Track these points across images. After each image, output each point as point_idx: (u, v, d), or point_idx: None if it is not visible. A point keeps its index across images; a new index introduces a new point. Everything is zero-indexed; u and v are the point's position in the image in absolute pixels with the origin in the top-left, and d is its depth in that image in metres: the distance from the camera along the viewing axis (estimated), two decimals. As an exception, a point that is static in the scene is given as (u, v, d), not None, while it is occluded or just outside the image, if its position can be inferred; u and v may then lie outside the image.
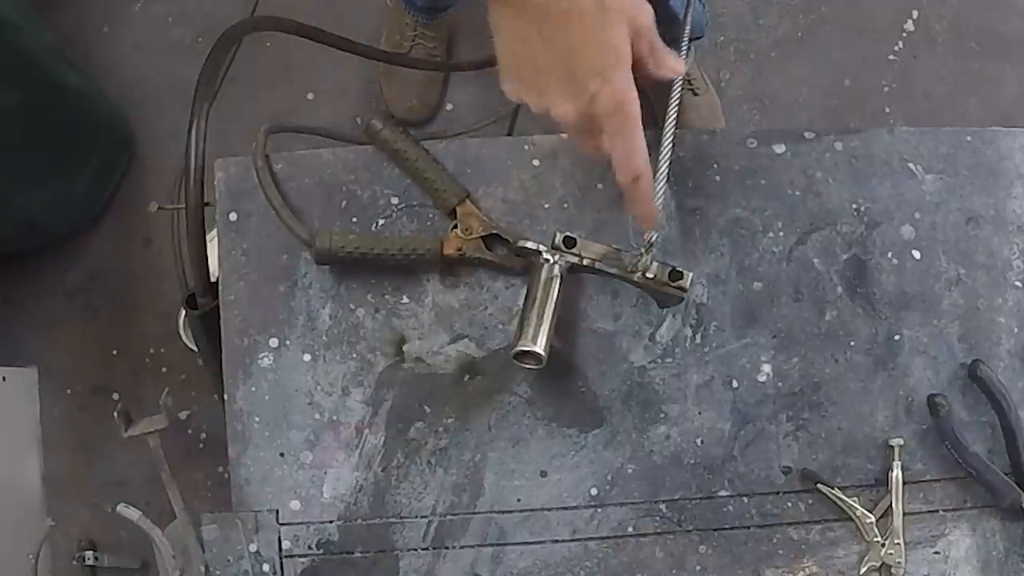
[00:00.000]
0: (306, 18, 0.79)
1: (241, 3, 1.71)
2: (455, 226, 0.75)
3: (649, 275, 0.69)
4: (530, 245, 0.71)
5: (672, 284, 0.69)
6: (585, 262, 0.71)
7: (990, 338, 0.77)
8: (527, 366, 0.69)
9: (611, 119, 0.59)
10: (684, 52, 0.81)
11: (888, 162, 0.79)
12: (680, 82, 0.75)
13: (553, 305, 0.69)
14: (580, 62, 0.57)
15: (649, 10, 0.61)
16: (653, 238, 0.68)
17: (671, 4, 1.36)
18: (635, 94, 0.59)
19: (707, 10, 1.47)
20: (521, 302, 0.76)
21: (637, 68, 0.60)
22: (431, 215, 0.77)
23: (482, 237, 0.74)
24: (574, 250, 0.70)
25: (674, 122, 0.74)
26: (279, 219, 0.74)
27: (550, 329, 0.69)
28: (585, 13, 0.55)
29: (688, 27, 0.83)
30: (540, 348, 0.68)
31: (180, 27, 1.75)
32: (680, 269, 0.69)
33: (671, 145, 0.73)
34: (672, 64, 0.63)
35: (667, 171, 0.72)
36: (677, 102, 0.74)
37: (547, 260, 0.71)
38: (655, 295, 0.73)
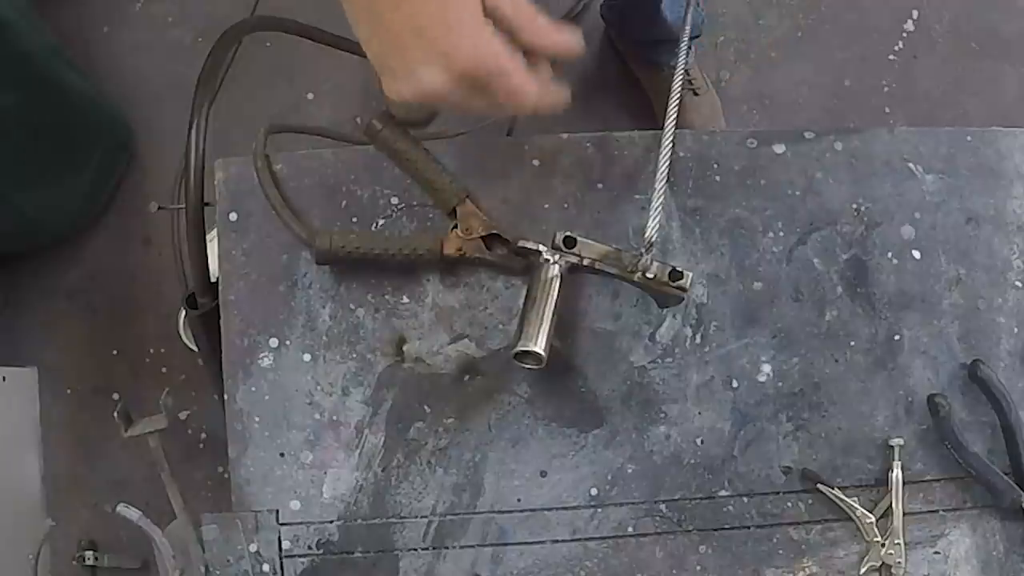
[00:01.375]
0: (306, 18, 0.79)
1: (241, 3, 1.71)
2: (455, 226, 0.75)
3: (649, 275, 0.69)
4: (530, 245, 0.71)
5: (672, 284, 0.69)
6: (585, 262, 0.71)
7: (990, 338, 0.77)
8: (527, 366, 0.69)
9: (478, 72, 0.57)
10: (684, 52, 0.81)
11: (888, 162, 0.79)
12: (680, 82, 0.75)
13: (553, 305, 0.69)
14: (427, 19, 0.55)
15: None
16: (653, 238, 0.68)
17: (662, 7, 1.37)
18: (497, 43, 0.57)
19: (703, 9, 1.47)
20: (521, 302, 0.76)
21: (511, 32, 0.59)
22: (431, 215, 0.77)
23: (482, 237, 0.74)
24: (574, 250, 0.70)
25: (674, 122, 0.74)
26: (279, 219, 0.74)
27: (550, 329, 0.69)
28: None
29: (688, 27, 0.83)
30: (540, 348, 0.68)
31: (180, 27, 1.75)
32: (680, 269, 0.69)
33: (671, 145, 0.73)
34: (560, 40, 0.60)
35: (667, 171, 0.72)
36: (677, 102, 0.74)
37: (547, 260, 0.71)
38: (655, 295, 0.73)
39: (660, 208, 0.70)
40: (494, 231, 0.74)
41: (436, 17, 0.55)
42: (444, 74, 0.57)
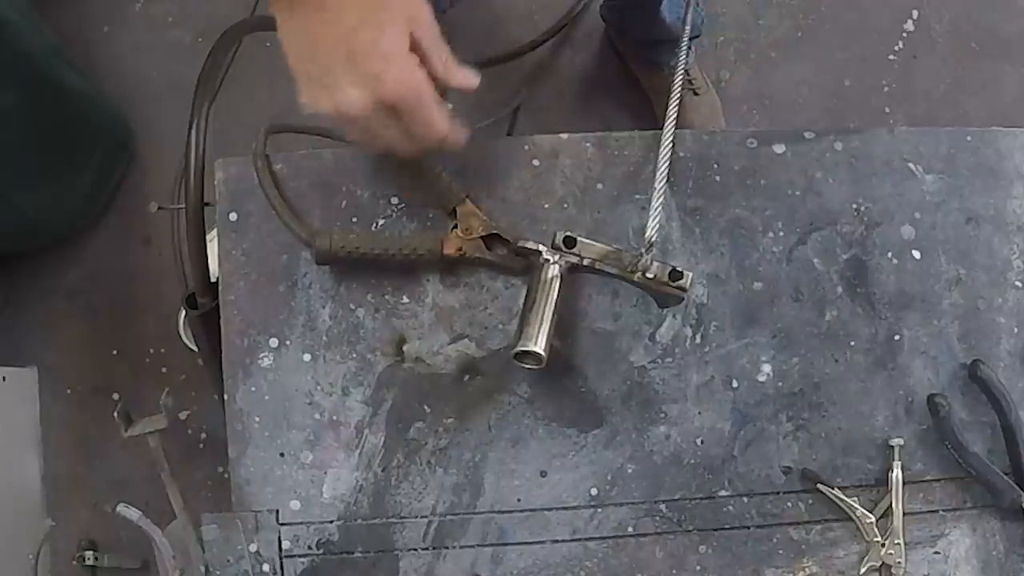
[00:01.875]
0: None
1: (241, 3, 1.71)
2: (455, 226, 0.75)
3: (649, 275, 0.69)
4: (530, 245, 0.71)
5: (672, 284, 0.69)
6: (585, 262, 0.71)
7: (990, 338, 0.77)
8: (527, 366, 0.69)
9: (402, 100, 0.60)
10: (684, 52, 0.81)
11: (888, 162, 0.79)
12: (680, 82, 0.75)
13: (553, 305, 0.69)
14: (360, 45, 0.58)
15: (426, 6, 0.62)
16: (653, 238, 0.68)
17: (661, 8, 1.37)
18: (421, 74, 0.61)
19: (702, 9, 1.47)
20: (521, 302, 0.76)
21: (424, 62, 0.62)
22: (431, 215, 0.77)
23: (482, 237, 0.74)
24: (574, 250, 0.70)
25: (674, 122, 0.74)
26: (279, 219, 0.74)
27: (550, 329, 0.69)
28: (350, 5, 0.58)
29: (688, 27, 0.83)
30: (540, 348, 0.68)
31: (180, 27, 1.75)
32: (680, 269, 0.69)
33: (671, 145, 0.73)
34: (462, 77, 0.66)
35: (667, 171, 0.72)
36: (677, 102, 0.74)
37: (547, 260, 0.71)
38: (655, 295, 0.72)
39: (660, 208, 0.70)
40: (494, 231, 0.74)
41: (369, 44, 0.59)
42: (369, 97, 0.60)
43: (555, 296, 0.70)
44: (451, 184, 0.75)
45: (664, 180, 0.70)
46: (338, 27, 0.59)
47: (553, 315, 0.69)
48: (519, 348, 0.68)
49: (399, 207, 0.77)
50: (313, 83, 0.61)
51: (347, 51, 0.59)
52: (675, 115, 0.74)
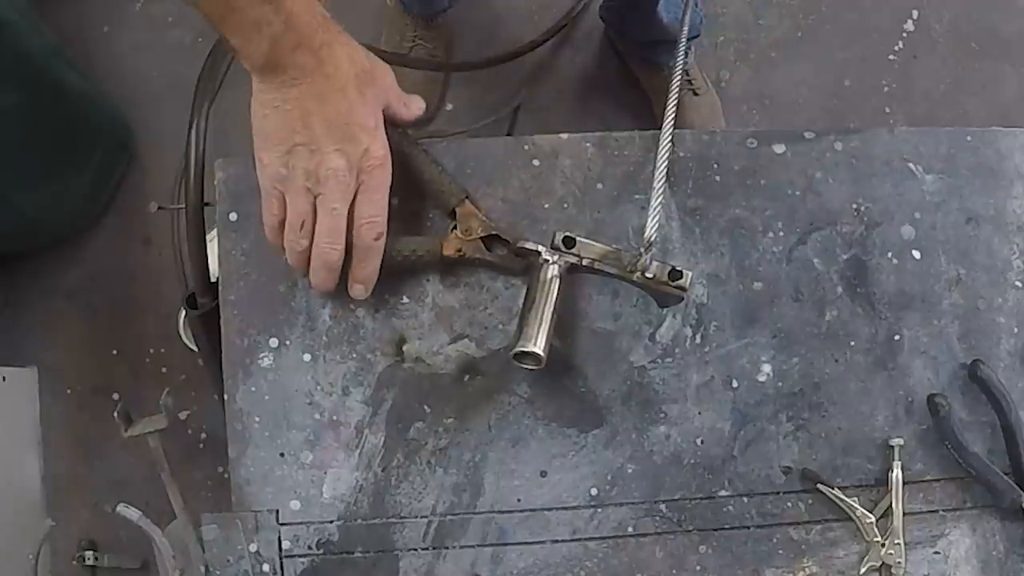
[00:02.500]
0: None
1: (241, 3, 1.71)
2: (455, 227, 0.75)
3: (649, 275, 0.69)
4: (529, 246, 0.71)
5: (672, 284, 0.69)
6: (585, 262, 0.71)
7: (990, 338, 0.77)
8: (527, 367, 0.69)
9: (375, 172, 0.68)
10: (682, 53, 0.81)
11: (888, 162, 0.79)
12: (678, 82, 0.75)
13: (553, 305, 0.69)
14: (354, 121, 0.67)
15: (386, 70, 0.71)
16: (653, 238, 0.68)
17: (658, 8, 1.37)
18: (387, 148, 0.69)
19: (701, 9, 1.47)
20: (521, 302, 0.76)
21: (395, 117, 0.72)
22: (431, 215, 0.77)
23: (482, 238, 0.74)
24: (573, 250, 0.70)
25: (672, 122, 0.74)
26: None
27: (550, 329, 0.69)
28: (349, 86, 0.67)
29: (686, 27, 0.83)
30: (540, 349, 0.68)
31: (180, 27, 1.75)
32: (679, 268, 0.69)
33: (670, 144, 0.73)
34: (416, 108, 0.74)
35: (666, 170, 0.72)
36: (675, 101, 0.74)
37: (547, 260, 0.71)
38: (655, 295, 0.72)
39: (660, 208, 0.70)
40: (494, 232, 0.74)
41: (363, 119, 0.67)
42: (353, 167, 0.67)
43: (555, 296, 0.70)
44: (451, 184, 0.75)
45: (663, 180, 0.70)
46: (336, 104, 0.66)
47: (553, 315, 0.69)
48: (518, 349, 0.68)
49: (397, 207, 0.77)
50: (298, 150, 0.66)
51: (344, 125, 0.66)
52: (674, 114, 0.74)
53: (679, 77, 0.79)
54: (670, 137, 0.73)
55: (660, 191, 0.69)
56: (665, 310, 0.76)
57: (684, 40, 0.82)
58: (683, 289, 0.69)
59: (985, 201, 0.79)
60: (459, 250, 0.74)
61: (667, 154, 0.72)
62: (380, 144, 0.68)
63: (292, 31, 0.63)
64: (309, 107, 0.66)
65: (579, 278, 0.75)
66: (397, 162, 0.70)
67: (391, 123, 0.72)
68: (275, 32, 0.62)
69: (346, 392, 0.76)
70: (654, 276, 0.69)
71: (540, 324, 0.68)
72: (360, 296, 0.73)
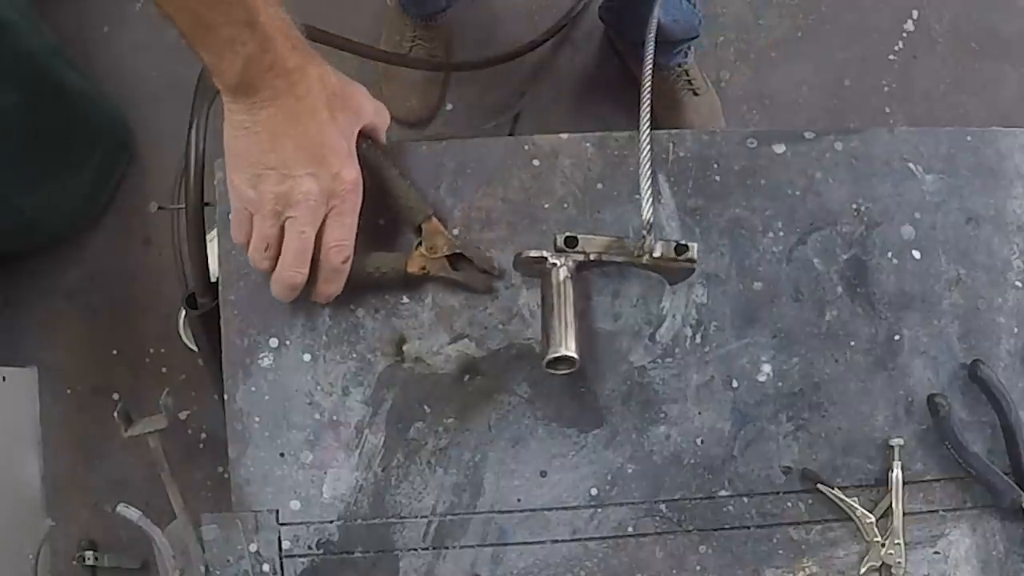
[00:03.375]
0: (306, 18, 0.79)
1: (241, 3, 1.70)
2: (419, 243, 0.74)
3: (656, 255, 0.69)
4: (533, 253, 0.71)
5: (680, 259, 0.69)
6: (591, 257, 0.71)
7: (990, 338, 0.77)
8: (561, 372, 0.69)
9: (346, 196, 0.68)
10: (651, 41, 0.81)
11: (888, 162, 0.79)
12: (648, 84, 0.75)
13: (572, 306, 0.69)
14: (326, 144, 0.67)
15: (381, 117, 0.73)
16: (651, 219, 0.68)
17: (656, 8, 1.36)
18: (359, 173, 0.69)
19: (699, 10, 1.47)
20: (521, 302, 0.76)
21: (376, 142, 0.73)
22: (431, 215, 0.77)
23: (447, 256, 0.74)
24: (577, 248, 0.70)
25: (649, 88, 0.73)
26: None
27: (576, 330, 0.69)
28: (320, 108, 0.67)
29: (656, 12, 0.83)
30: (572, 351, 0.68)
31: (180, 27, 1.75)
32: (684, 242, 0.69)
33: (648, 121, 0.71)
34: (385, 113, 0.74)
35: (648, 148, 0.70)
36: (648, 102, 0.73)
37: (554, 264, 0.70)
38: (665, 274, 0.73)
39: (650, 189, 0.69)
40: (458, 250, 0.74)
41: (335, 142, 0.67)
42: (324, 191, 0.67)
43: (571, 297, 0.70)
44: (418, 201, 0.74)
45: (648, 162, 0.69)
46: (307, 126, 0.66)
47: (575, 315, 0.69)
48: (551, 355, 0.68)
49: (364, 220, 0.77)
50: (268, 174, 0.66)
51: (315, 148, 0.66)
52: (648, 115, 0.73)
53: (650, 59, 0.79)
54: (648, 111, 0.71)
55: (647, 174, 0.68)
56: (665, 310, 0.76)
57: (653, 21, 0.82)
58: (692, 261, 0.69)
59: (985, 201, 0.79)
60: (423, 268, 0.74)
61: (647, 129, 0.70)
62: (351, 168, 0.68)
63: (267, 52, 0.62)
64: (280, 129, 0.65)
65: (580, 279, 0.75)
66: (366, 175, 0.70)
67: (367, 137, 0.72)
68: (249, 52, 0.62)
69: (346, 392, 0.76)
70: (661, 255, 0.69)
71: (565, 327, 0.68)
72: (320, 302, 0.73)
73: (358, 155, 0.70)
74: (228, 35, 0.61)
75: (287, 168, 0.66)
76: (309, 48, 0.67)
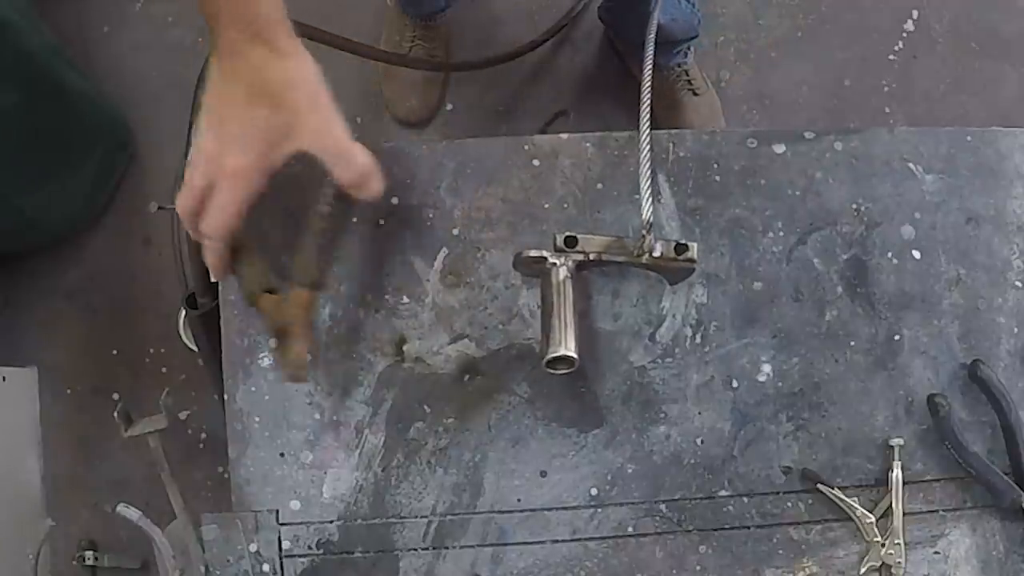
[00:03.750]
0: (306, 18, 0.79)
1: (241, 3, 1.70)
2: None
3: (656, 254, 0.69)
4: (533, 253, 0.71)
5: (680, 258, 0.69)
6: (591, 257, 0.71)
7: (990, 338, 0.77)
8: (561, 372, 0.69)
9: (225, 182, 0.65)
10: (651, 42, 0.81)
11: (888, 162, 0.79)
12: (648, 84, 0.75)
13: (572, 306, 0.69)
14: (232, 125, 0.65)
15: (322, 120, 0.67)
16: (650, 218, 0.68)
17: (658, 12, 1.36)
18: (257, 177, 0.66)
19: (698, 10, 1.47)
20: (521, 302, 0.76)
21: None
22: (431, 215, 0.77)
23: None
24: (577, 248, 0.70)
25: (649, 88, 0.73)
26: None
27: (576, 330, 0.69)
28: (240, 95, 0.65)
29: (655, 12, 0.83)
30: (571, 351, 0.68)
31: (180, 27, 1.75)
32: (684, 242, 0.69)
33: (648, 119, 0.71)
34: (367, 182, 0.69)
35: (648, 147, 0.70)
36: (648, 102, 0.73)
37: (554, 264, 0.70)
38: (665, 274, 0.73)
39: (649, 189, 0.69)
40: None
41: (230, 129, 0.65)
42: (203, 156, 0.65)
43: (571, 297, 0.70)
44: (308, 263, 0.71)
45: (648, 161, 0.69)
46: (223, 99, 0.65)
47: (574, 315, 0.69)
48: (550, 355, 0.68)
49: (399, 207, 0.77)
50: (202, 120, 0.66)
51: (215, 123, 0.65)
52: (650, 81, 0.73)
53: (650, 58, 0.79)
54: (648, 107, 0.71)
55: (647, 174, 0.68)
56: (665, 310, 0.76)
57: (654, 23, 0.82)
58: (692, 261, 0.69)
59: (985, 201, 0.79)
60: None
61: (647, 129, 0.70)
62: (236, 156, 0.65)
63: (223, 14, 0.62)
64: (211, 88, 0.65)
65: (580, 279, 0.75)
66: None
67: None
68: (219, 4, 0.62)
69: (346, 392, 0.76)
70: (661, 254, 0.69)
71: (565, 326, 0.68)
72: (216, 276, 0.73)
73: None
74: None
75: (197, 125, 0.66)
76: (271, 27, 0.65)
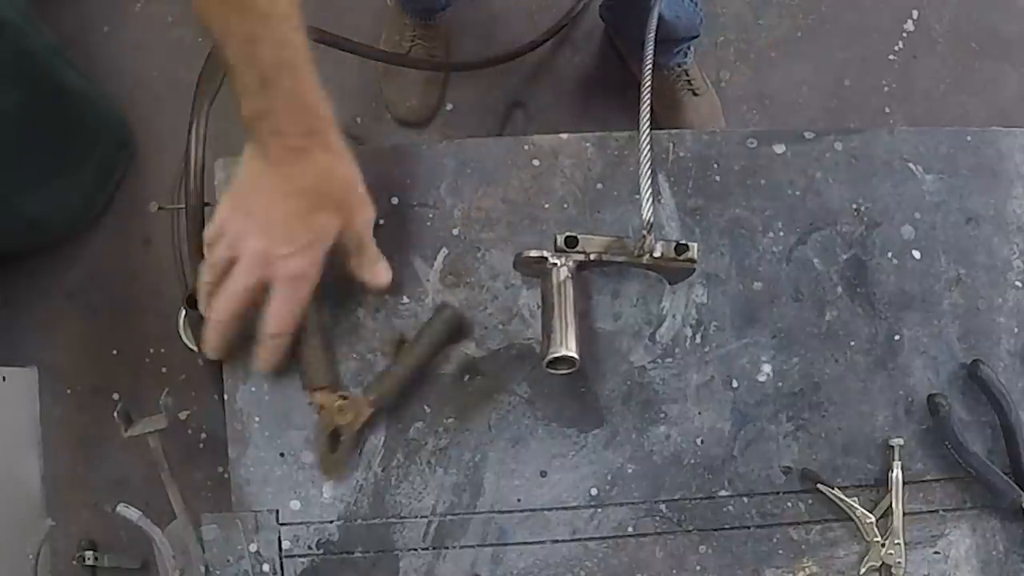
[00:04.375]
0: (306, 18, 0.79)
1: (241, 3, 1.70)
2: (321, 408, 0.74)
3: (656, 255, 0.69)
4: (533, 253, 0.71)
5: (680, 258, 0.69)
6: (592, 257, 0.71)
7: (990, 338, 0.77)
8: (561, 372, 0.69)
9: (287, 284, 0.68)
10: (651, 39, 0.81)
11: (888, 162, 0.79)
12: (648, 84, 0.75)
13: (572, 306, 0.69)
14: (286, 224, 0.67)
15: (368, 215, 0.70)
16: (651, 219, 0.68)
17: (662, 11, 1.36)
18: (317, 276, 0.69)
19: (700, 9, 1.47)
20: (520, 302, 0.76)
21: (345, 262, 0.71)
22: (431, 215, 0.77)
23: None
24: (577, 248, 0.70)
25: (649, 87, 0.73)
26: None
27: (576, 330, 0.69)
28: (303, 203, 0.67)
29: (654, 17, 0.83)
30: (572, 351, 0.68)
31: (180, 27, 1.75)
32: (684, 242, 0.69)
33: (648, 121, 0.71)
34: (379, 273, 0.73)
35: (649, 147, 0.70)
36: (648, 102, 0.73)
37: (554, 264, 0.70)
38: (666, 274, 0.73)
39: (649, 189, 0.69)
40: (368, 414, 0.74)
41: (294, 233, 0.67)
42: (263, 248, 0.67)
43: (571, 297, 0.70)
44: (321, 364, 0.74)
45: (648, 156, 0.69)
46: (279, 202, 0.67)
47: (575, 315, 0.69)
48: (551, 355, 0.68)
49: (399, 207, 0.77)
50: (241, 214, 0.68)
51: (272, 225, 0.67)
52: (650, 81, 0.73)
53: (650, 54, 0.79)
54: (648, 107, 0.71)
55: (647, 173, 0.68)
56: (665, 310, 0.76)
57: (654, 20, 0.82)
58: (692, 261, 0.69)
59: (985, 201, 0.79)
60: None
61: (647, 128, 0.70)
62: (301, 258, 0.68)
63: (270, 115, 0.64)
64: (258, 184, 0.67)
65: (580, 279, 0.75)
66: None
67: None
68: (257, 105, 0.63)
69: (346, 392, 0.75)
70: (661, 255, 0.69)
71: (565, 327, 0.68)
72: (260, 368, 0.74)
73: None
74: (247, 80, 0.62)
75: (242, 223, 0.67)
76: (327, 129, 0.66)
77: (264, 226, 0.67)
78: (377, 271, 0.73)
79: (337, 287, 0.73)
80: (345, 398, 0.73)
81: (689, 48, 1.62)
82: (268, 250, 0.67)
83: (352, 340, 0.76)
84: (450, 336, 0.74)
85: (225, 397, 0.75)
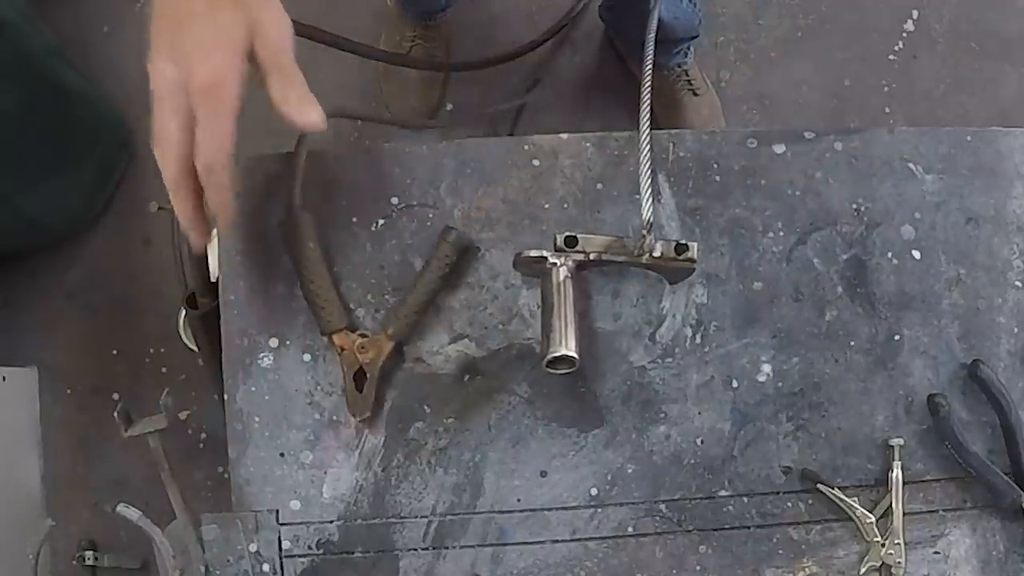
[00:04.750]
0: (306, 18, 0.79)
1: (241, 3, 1.70)
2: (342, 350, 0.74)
3: (656, 254, 0.69)
4: (533, 253, 0.71)
5: (680, 258, 0.69)
6: (591, 257, 0.71)
7: (990, 338, 0.77)
8: (561, 372, 0.69)
9: (203, 99, 0.58)
10: (651, 36, 0.80)
11: (888, 162, 0.79)
12: (648, 84, 0.75)
13: (572, 306, 0.69)
14: (190, 33, 0.58)
15: (281, 26, 0.61)
16: (651, 218, 0.68)
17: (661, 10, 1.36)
18: (236, 84, 0.59)
19: (699, 9, 1.47)
20: (520, 302, 0.76)
21: (263, 84, 0.61)
22: (431, 215, 0.77)
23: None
24: (577, 248, 0.70)
25: (649, 86, 0.73)
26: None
27: (576, 330, 0.69)
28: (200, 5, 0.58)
29: (655, 16, 0.83)
30: (572, 351, 0.68)
31: (180, 27, 1.75)
32: (684, 242, 0.69)
33: (648, 119, 0.71)
34: (307, 111, 0.62)
35: (648, 147, 0.70)
36: (648, 102, 0.73)
37: (554, 264, 0.70)
38: (665, 274, 0.73)
39: (649, 189, 0.69)
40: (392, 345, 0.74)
41: (201, 38, 0.58)
42: (176, 75, 0.58)
43: (571, 296, 0.70)
44: (335, 305, 0.74)
45: (648, 156, 0.68)
46: (184, 8, 0.58)
47: (575, 315, 0.69)
48: (551, 355, 0.68)
49: (399, 207, 0.77)
50: (161, 45, 0.59)
51: (179, 34, 0.59)
52: (650, 81, 0.73)
53: (651, 53, 0.78)
54: (648, 107, 0.71)
55: (647, 173, 0.68)
56: (665, 310, 0.76)
57: (654, 19, 0.82)
58: (692, 261, 0.69)
59: (985, 201, 0.79)
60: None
61: (647, 128, 0.69)
62: (212, 65, 0.58)
63: None
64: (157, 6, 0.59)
65: (580, 279, 0.75)
66: (295, 261, 0.70)
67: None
68: None
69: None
70: (661, 254, 0.69)
71: (565, 326, 0.68)
72: (224, 223, 0.67)
73: (283, 231, 0.69)
74: None
75: (153, 49, 0.59)
76: None
77: (171, 46, 0.59)
78: (303, 108, 0.62)
79: (337, 229, 0.73)
80: (364, 336, 0.74)
81: (689, 48, 1.62)
82: (181, 73, 0.58)
83: (360, 279, 0.76)
84: (459, 257, 0.74)
85: (225, 397, 0.75)
